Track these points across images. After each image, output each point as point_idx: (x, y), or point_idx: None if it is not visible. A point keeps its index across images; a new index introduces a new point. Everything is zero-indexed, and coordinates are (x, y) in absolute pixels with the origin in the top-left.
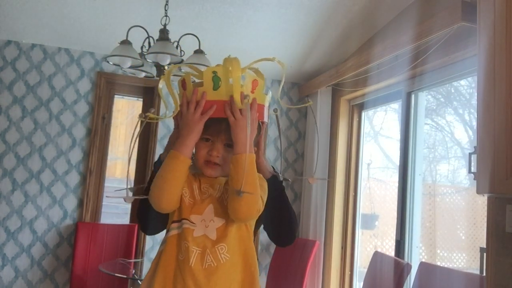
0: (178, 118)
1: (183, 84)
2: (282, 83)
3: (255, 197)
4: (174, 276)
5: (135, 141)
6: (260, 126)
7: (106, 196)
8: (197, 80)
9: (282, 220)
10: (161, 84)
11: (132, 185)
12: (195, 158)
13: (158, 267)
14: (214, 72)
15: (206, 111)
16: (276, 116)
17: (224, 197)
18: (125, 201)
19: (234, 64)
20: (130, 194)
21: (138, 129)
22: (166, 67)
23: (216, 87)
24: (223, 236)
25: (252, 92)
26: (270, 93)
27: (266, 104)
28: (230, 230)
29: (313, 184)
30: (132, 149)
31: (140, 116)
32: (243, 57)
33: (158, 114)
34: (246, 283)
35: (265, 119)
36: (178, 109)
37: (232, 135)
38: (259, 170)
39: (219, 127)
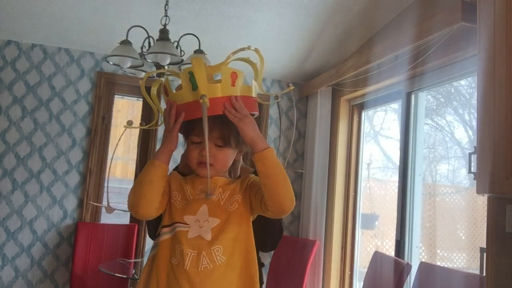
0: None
1: (165, 91)
2: (262, 72)
3: (290, 185)
4: (168, 281)
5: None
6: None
7: (89, 203)
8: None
9: (265, 225)
10: (153, 90)
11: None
12: (188, 161)
13: (151, 272)
14: (190, 73)
15: (178, 118)
16: (278, 103)
17: (220, 198)
18: (106, 212)
19: (196, 65)
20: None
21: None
22: (166, 67)
23: (194, 87)
24: (218, 237)
25: (233, 85)
26: (254, 83)
27: (254, 95)
28: (226, 231)
29: (313, 184)
30: (111, 162)
31: (129, 123)
32: (243, 57)
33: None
34: (244, 287)
35: (255, 111)
36: (158, 117)
37: (244, 135)
38: (241, 169)
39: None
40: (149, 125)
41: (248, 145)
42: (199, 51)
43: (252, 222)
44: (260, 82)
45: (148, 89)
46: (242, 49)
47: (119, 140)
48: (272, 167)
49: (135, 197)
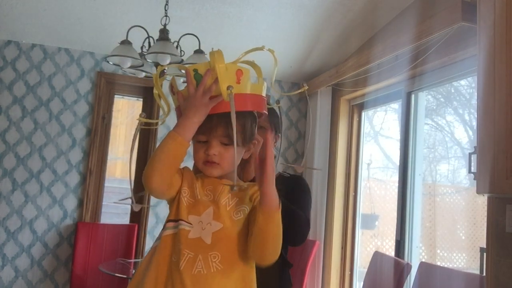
0: (181, 105)
1: (172, 89)
2: (275, 72)
3: (280, 244)
4: (166, 277)
5: (135, 142)
6: (256, 116)
7: (114, 203)
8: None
9: (292, 217)
10: (156, 90)
11: (133, 186)
12: (195, 161)
13: (150, 264)
14: (195, 70)
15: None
16: (279, 107)
17: (227, 203)
18: (133, 209)
19: (216, 57)
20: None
21: (138, 131)
22: (166, 67)
23: (198, 85)
24: (217, 242)
25: (238, 83)
26: (264, 82)
27: (263, 93)
28: (227, 239)
29: (313, 184)
30: (132, 151)
31: (141, 115)
32: (248, 60)
33: (158, 115)
34: None
35: (264, 110)
36: (168, 113)
37: (264, 186)
38: (250, 171)
39: (210, 123)
40: (162, 121)
41: (260, 195)
42: (199, 51)
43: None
44: (273, 84)
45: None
46: (257, 49)
47: (135, 134)
48: (273, 226)
49: (150, 170)
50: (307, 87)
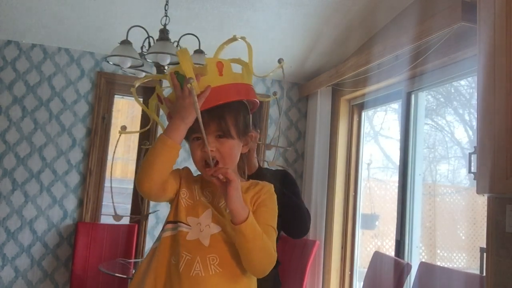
0: (170, 110)
1: (159, 99)
2: (251, 59)
3: (267, 254)
4: (165, 279)
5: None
6: (248, 107)
7: (102, 214)
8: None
9: (294, 212)
10: (151, 105)
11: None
12: (194, 163)
13: (150, 266)
14: (176, 72)
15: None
16: (276, 98)
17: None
18: (114, 220)
19: (180, 57)
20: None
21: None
22: (166, 67)
23: (182, 85)
24: (216, 245)
25: (221, 75)
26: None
27: (249, 82)
28: (225, 242)
29: (313, 184)
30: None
31: (123, 128)
32: (243, 56)
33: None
34: None
35: (254, 98)
36: (151, 123)
37: (228, 202)
38: (248, 166)
39: (203, 120)
40: (144, 130)
41: (229, 213)
42: (199, 51)
43: (280, 212)
44: (252, 70)
45: (140, 93)
46: (230, 40)
47: (116, 146)
48: (245, 241)
49: (142, 174)
50: (284, 62)
